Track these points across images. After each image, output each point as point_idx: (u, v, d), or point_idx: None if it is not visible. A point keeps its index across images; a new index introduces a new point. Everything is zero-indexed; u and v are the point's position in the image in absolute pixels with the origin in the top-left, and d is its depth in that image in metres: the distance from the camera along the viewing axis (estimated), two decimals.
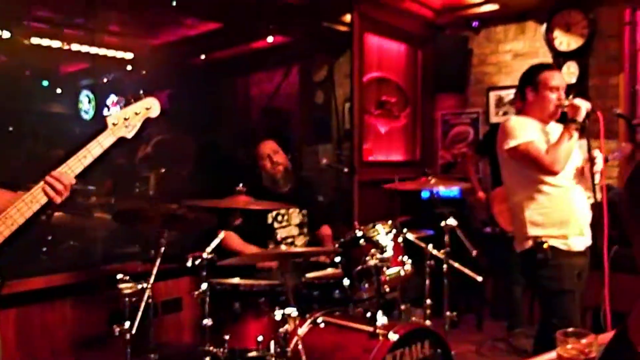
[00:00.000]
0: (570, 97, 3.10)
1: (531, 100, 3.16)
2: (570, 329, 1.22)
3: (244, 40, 6.58)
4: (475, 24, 5.90)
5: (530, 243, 3.03)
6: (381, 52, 5.94)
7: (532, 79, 3.16)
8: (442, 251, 3.53)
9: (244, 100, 7.31)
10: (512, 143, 3.03)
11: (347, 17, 5.46)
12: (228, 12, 5.58)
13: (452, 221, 3.52)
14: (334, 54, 6.30)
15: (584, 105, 3.00)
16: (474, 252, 3.56)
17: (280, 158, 3.80)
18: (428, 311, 3.57)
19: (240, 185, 3.20)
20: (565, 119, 3.05)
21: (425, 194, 5.49)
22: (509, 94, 5.66)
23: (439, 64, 5.91)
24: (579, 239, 3.04)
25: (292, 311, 2.67)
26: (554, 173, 2.96)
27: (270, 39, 6.38)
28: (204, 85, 6.19)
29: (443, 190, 5.53)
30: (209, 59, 6.53)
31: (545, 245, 2.95)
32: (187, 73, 6.14)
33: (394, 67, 6.12)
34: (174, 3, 5.01)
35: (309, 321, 3.04)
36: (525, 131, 3.04)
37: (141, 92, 2.34)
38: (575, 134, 3.00)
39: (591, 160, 3.02)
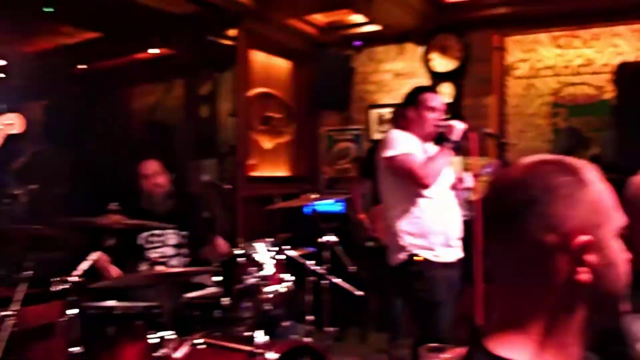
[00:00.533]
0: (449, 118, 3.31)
1: (412, 118, 3.30)
2: (434, 344, 1.25)
3: (126, 51, 6.38)
4: (357, 43, 6.06)
5: (403, 256, 3.14)
6: (267, 68, 5.95)
7: (413, 99, 3.33)
8: (322, 267, 3.56)
9: (126, 113, 7.06)
10: (390, 153, 3.15)
11: (233, 32, 5.43)
12: (108, 21, 5.38)
13: (331, 238, 3.56)
14: (219, 68, 6.24)
15: (459, 126, 3.20)
16: (352, 268, 3.62)
17: (162, 180, 3.70)
18: (310, 327, 3.58)
19: (114, 204, 3.07)
20: (442, 140, 3.22)
21: (308, 210, 5.54)
22: (389, 112, 5.85)
23: (322, 81, 6.00)
24: (447, 250, 3.17)
25: (169, 334, 2.58)
26: (425, 186, 3.10)
27: (153, 50, 6.23)
28: (84, 96, 5.93)
29: (327, 205, 5.60)
30: (90, 69, 6.27)
31: (418, 258, 3.07)
32: (65, 83, 5.86)
33: (280, 83, 6.15)
34: (51, 10, 4.77)
35: (187, 343, 2.95)
36: (405, 144, 3.18)
37: (4, 106, 2.20)
38: (450, 152, 3.17)
39: (459, 179, 3.20)
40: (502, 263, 0.95)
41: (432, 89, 3.60)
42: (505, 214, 0.93)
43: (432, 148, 3.29)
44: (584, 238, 0.88)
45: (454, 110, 5.54)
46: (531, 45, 5.47)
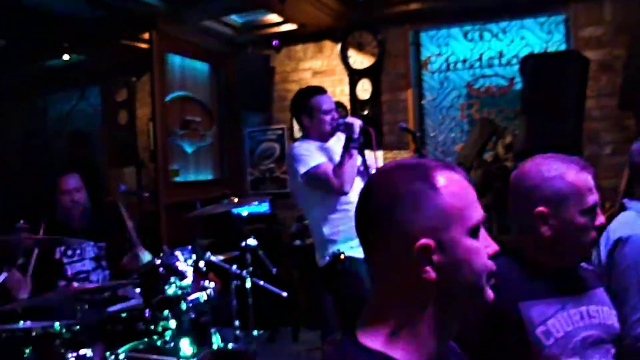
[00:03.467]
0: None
1: (308, 125, 3.28)
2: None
3: (35, 58, 6.13)
4: (275, 42, 6.04)
5: (327, 256, 3.16)
6: (184, 71, 5.85)
7: (304, 105, 3.27)
8: (245, 270, 3.54)
9: (40, 122, 6.81)
10: (302, 170, 3.12)
11: (147, 35, 5.30)
12: (13, 27, 5.16)
13: (252, 241, 3.54)
14: (135, 72, 6.09)
15: (356, 123, 3.14)
16: (274, 270, 3.61)
17: (80, 197, 3.59)
18: (237, 331, 3.55)
19: (22, 221, 2.95)
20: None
21: (234, 213, 5.49)
22: None
23: (242, 82, 5.95)
24: None
25: (87, 352, 2.50)
26: (344, 193, 3.10)
27: (66, 57, 6.02)
28: None
29: (253, 207, 5.58)
30: None
31: (342, 256, 3.09)
32: None
33: (199, 86, 6.07)
34: None
35: (110, 359, 2.86)
36: (311, 156, 3.14)
37: None
38: (355, 152, 3.14)
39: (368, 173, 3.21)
40: (370, 259, 1.03)
41: (318, 90, 3.40)
42: (366, 217, 1.03)
43: (332, 145, 3.28)
44: (426, 241, 0.95)
45: (372, 105, 5.64)
46: (444, 39, 5.61)
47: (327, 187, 3.09)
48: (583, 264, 1.65)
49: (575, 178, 1.54)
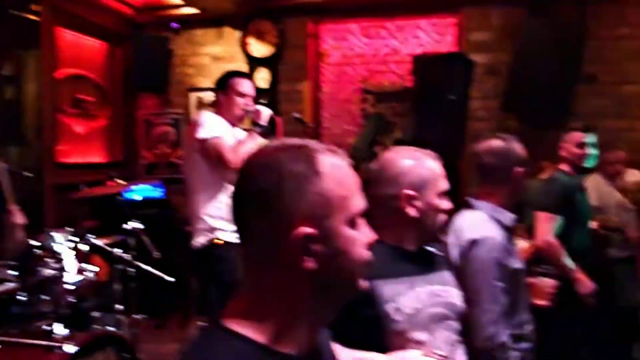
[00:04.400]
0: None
1: (222, 102, 3.38)
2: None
3: None
4: (174, 25, 5.94)
5: (204, 240, 3.18)
6: (77, 48, 5.63)
7: (224, 83, 3.41)
8: (135, 254, 3.49)
9: None
10: (202, 134, 3.18)
11: (37, 7, 5.05)
12: None
13: (137, 225, 3.50)
14: (23, 45, 5.79)
15: (266, 111, 3.33)
16: (157, 255, 3.59)
17: None
18: (120, 316, 3.50)
19: None
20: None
21: (127, 195, 5.37)
22: (209, 96, 5.82)
23: (139, 63, 5.81)
24: None
25: None
26: (234, 169, 3.14)
27: None
28: None
29: (146, 191, 5.47)
30: None
31: (219, 241, 3.12)
32: None
33: (92, 64, 5.85)
34: None
35: None
36: (216, 127, 3.22)
37: None
38: (257, 136, 3.26)
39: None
40: (245, 244, 0.99)
41: (244, 74, 3.65)
42: (244, 199, 0.97)
43: (240, 133, 3.37)
44: (306, 230, 0.91)
45: (270, 95, 5.68)
46: (342, 33, 5.73)
47: (219, 160, 3.13)
48: (430, 247, 1.79)
49: (432, 165, 1.70)
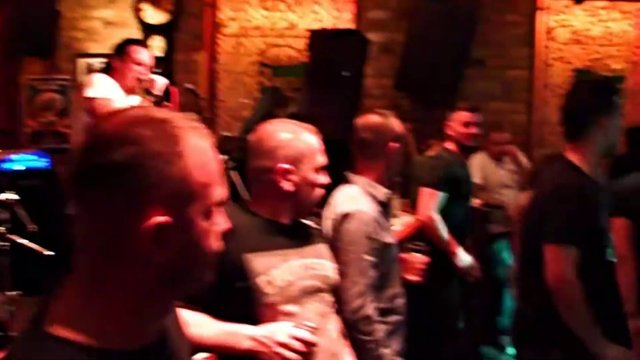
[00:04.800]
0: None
1: (117, 68, 3.40)
2: None
3: None
4: None
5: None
6: None
7: (121, 49, 3.44)
8: (5, 228, 3.29)
9: None
10: (90, 93, 3.18)
11: None
12: None
13: (10, 196, 3.30)
14: None
15: (160, 81, 3.36)
16: (32, 227, 3.41)
17: None
18: None
19: None
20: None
21: (6, 165, 5.05)
22: (99, 62, 5.55)
23: (22, 24, 5.42)
24: None
25: None
26: None
27: None
28: None
29: (29, 161, 5.17)
30: None
31: None
32: None
33: None
34: None
35: None
36: (106, 88, 3.22)
37: None
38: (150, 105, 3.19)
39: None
40: (85, 226, 0.85)
41: (142, 42, 3.71)
42: (90, 172, 0.84)
43: (135, 101, 3.32)
44: (159, 217, 0.81)
45: (164, 64, 5.49)
46: (241, 4, 5.62)
47: None
48: (307, 220, 1.80)
49: (310, 140, 1.70)
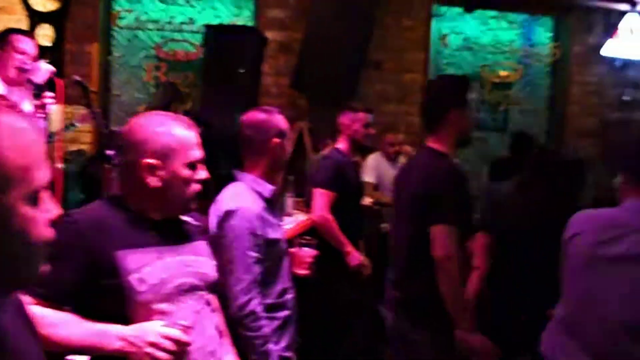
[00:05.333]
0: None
1: None
2: None
3: None
4: None
5: None
6: None
7: (3, 38, 3.25)
8: None
9: None
10: None
11: None
12: None
13: None
14: None
15: (46, 68, 3.21)
16: None
17: None
18: None
19: None
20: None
21: None
22: None
23: None
24: None
25: None
26: None
27: None
28: None
29: None
30: None
31: None
32: None
33: None
34: None
35: None
36: None
37: None
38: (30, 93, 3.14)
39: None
40: None
41: (25, 32, 3.55)
42: None
43: (17, 94, 3.19)
44: None
45: (53, 54, 5.22)
46: None
47: None
48: (186, 217, 1.75)
49: (182, 133, 1.62)
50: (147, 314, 1.51)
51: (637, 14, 6.03)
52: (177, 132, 1.61)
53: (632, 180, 1.85)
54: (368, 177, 4.71)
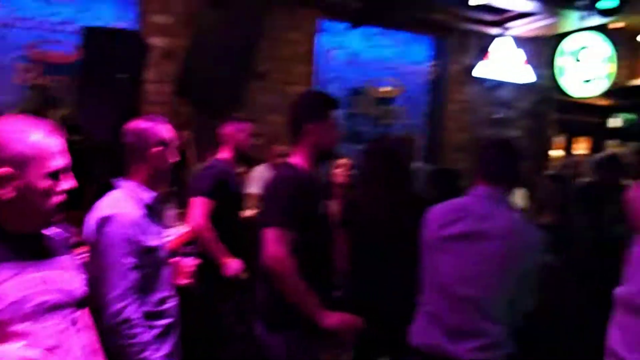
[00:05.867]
0: None
1: None
2: None
3: None
4: None
5: None
6: None
7: None
8: None
9: None
10: None
11: None
12: None
13: None
14: None
15: None
16: None
17: None
18: None
19: None
20: None
21: None
22: None
23: None
24: None
25: None
26: None
27: None
28: None
29: None
30: None
31: None
32: None
33: None
34: None
35: None
36: None
37: None
38: None
39: None
40: None
41: None
42: None
43: None
44: None
45: None
46: None
47: None
48: (54, 229, 1.64)
49: (40, 140, 1.49)
50: (5, 336, 1.39)
51: (507, 38, 6.47)
52: (35, 139, 1.47)
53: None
54: (254, 188, 4.66)
